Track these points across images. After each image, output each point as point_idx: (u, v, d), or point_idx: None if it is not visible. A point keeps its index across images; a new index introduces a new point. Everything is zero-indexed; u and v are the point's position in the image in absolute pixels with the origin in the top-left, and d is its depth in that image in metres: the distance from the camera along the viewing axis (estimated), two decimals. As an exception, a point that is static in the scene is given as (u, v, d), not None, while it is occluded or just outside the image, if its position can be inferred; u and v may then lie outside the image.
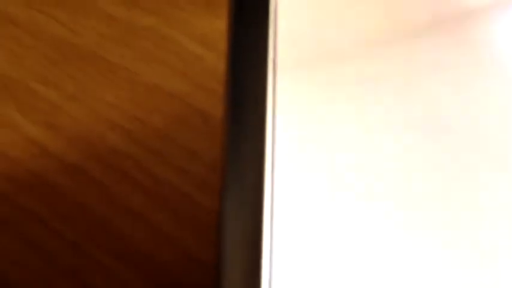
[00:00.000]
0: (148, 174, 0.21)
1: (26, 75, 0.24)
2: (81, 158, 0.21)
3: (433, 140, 0.18)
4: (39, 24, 0.25)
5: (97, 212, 0.20)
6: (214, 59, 0.23)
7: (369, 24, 0.20)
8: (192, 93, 0.22)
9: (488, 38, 0.19)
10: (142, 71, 0.23)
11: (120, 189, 0.21)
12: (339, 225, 0.17)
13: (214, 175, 0.18)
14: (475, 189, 0.17)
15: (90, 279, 0.20)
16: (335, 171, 0.18)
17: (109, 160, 0.21)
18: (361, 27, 0.20)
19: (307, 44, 0.19)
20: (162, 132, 0.21)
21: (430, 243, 0.16)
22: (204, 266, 0.19)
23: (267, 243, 0.17)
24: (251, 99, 0.19)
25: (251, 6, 0.19)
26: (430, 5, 0.20)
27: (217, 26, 0.20)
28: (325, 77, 0.19)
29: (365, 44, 0.20)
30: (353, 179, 0.17)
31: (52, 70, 0.24)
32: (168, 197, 0.20)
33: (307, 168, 0.18)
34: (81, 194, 0.21)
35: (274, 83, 0.19)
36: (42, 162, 0.21)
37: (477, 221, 0.16)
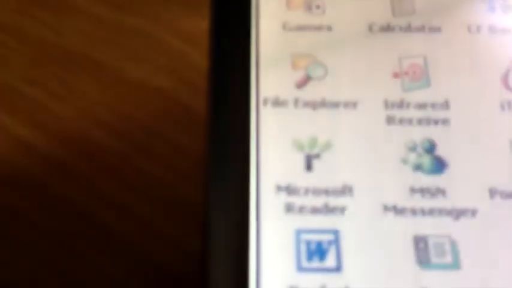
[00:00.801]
0: (134, 168, 0.21)
1: (12, 77, 0.24)
2: (67, 154, 0.21)
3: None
4: (25, 27, 0.25)
5: (84, 207, 0.21)
6: (199, 56, 0.23)
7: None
8: (178, 89, 0.22)
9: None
10: (129, 69, 0.23)
11: (107, 184, 0.21)
12: (327, 210, 0.17)
13: (199, 167, 0.18)
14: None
15: (79, 275, 0.20)
16: (325, 153, 0.18)
17: (95, 155, 0.21)
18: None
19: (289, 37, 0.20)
20: (148, 127, 0.22)
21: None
22: (192, 257, 0.19)
23: (254, 230, 0.17)
24: (234, 93, 0.19)
25: (232, 2, 0.20)
26: None
27: (201, 24, 0.20)
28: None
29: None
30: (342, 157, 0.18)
31: (38, 71, 0.24)
32: (154, 189, 0.21)
33: (292, 155, 0.18)
34: (69, 190, 0.21)
35: (258, 77, 0.19)
36: (29, 160, 0.21)
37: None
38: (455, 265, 0.17)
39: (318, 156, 0.18)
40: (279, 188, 0.18)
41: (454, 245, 0.17)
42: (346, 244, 0.17)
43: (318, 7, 0.20)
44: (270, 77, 0.19)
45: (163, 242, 0.20)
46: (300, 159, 0.18)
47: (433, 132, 0.18)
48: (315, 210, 0.17)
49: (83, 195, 0.21)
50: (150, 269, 0.20)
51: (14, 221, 0.20)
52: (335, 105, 0.19)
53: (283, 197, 0.17)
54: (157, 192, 0.21)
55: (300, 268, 0.17)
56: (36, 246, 0.20)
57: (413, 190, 0.17)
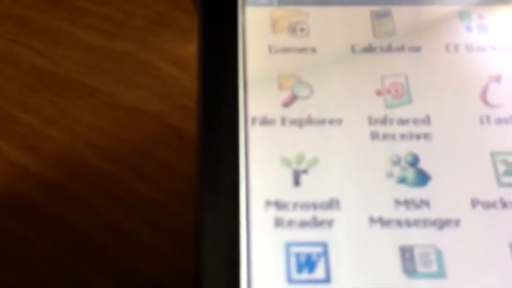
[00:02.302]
0: (128, 189, 0.21)
1: (7, 103, 0.24)
2: (61, 177, 0.22)
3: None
4: (19, 56, 0.26)
5: (79, 228, 0.21)
6: (189, 80, 0.24)
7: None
8: (169, 112, 0.23)
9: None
10: (121, 94, 0.24)
11: (101, 205, 0.21)
12: (318, 225, 0.18)
13: (191, 187, 0.18)
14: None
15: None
16: (313, 169, 0.18)
17: (89, 177, 0.22)
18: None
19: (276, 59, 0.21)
20: (140, 148, 0.22)
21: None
22: (186, 277, 0.20)
23: (244, 245, 0.17)
24: (224, 113, 0.19)
25: (219, 27, 0.20)
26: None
27: (191, 49, 0.21)
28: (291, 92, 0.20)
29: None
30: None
31: (32, 97, 0.24)
32: (146, 209, 0.21)
33: (280, 171, 0.18)
34: (63, 211, 0.21)
35: (246, 97, 0.20)
36: (25, 183, 0.22)
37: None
38: (441, 274, 0.17)
39: (305, 171, 0.19)
40: (268, 203, 0.18)
41: (439, 254, 0.17)
42: (334, 256, 0.17)
43: (302, 30, 0.21)
44: (257, 98, 0.20)
45: (157, 260, 0.20)
46: (288, 175, 0.19)
47: (416, 147, 0.19)
48: (303, 224, 0.18)
49: (77, 215, 0.21)
50: (143, 286, 0.20)
51: (9, 241, 0.21)
52: (321, 122, 0.19)
53: (273, 212, 0.18)
54: (150, 212, 0.21)
55: (290, 280, 0.17)
56: (31, 266, 0.21)
57: (398, 202, 0.18)
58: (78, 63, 0.25)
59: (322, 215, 0.18)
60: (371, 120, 0.19)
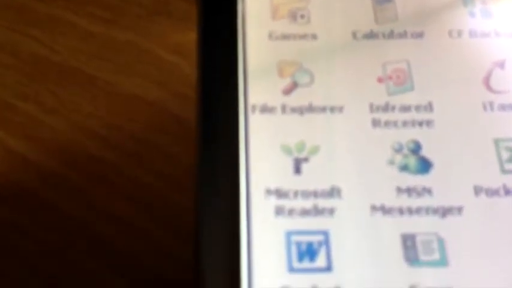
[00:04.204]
0: (127, 178, 0.21)
1: (6, 92, 0.24)
2: (61, 166, 0.22)
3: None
4: (18, 44, 0.26)
5: (78, 218, 0.21)
6: (188, 67, 0.23)
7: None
8: (168, 100, 0.23)
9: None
10: (120, 82, 0.24)
11: (101, 194, 0.21)
12: (315, 217, 0.17)
13: (190, 175, 0.18)
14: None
15: (71, 284, 0.20)
16: (313, 157, 0.18)
17: (88, 167, 0.22)
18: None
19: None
20: (139, 137, 0.22)
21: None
22: (184, 263, 0.20)
23: (245, 234, 0.17)
24: (223, 101, 0.19)
25: (219, 14, 0.20)
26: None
27: (191, 36, 0.21)
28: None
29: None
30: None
31: (31, 86, 0.24)
32: (146, 198, 0.21)
33: (281, 159, 0.18)
34: (61, 200, 0.21)
35: (246, 85, 0.20)
36: (23, 172, 0.22)
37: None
38: (443, 262, 0.17)
39: (306, 159, 0.18)
40: (268, 192, 0.18)
41: (441, 242, 0.17)
42: (335, 244, 0.17)
43: (302, 16, 0.21)
44: (257, 85, 0.20)
45: (155, 249, 0.20)
46: (288, 163, 0.18)
47: (418, 134, 0.19)
48: (304, 212, 0.18)
49: (76, 204, 0.21)
50: (142, 276, 0.20)
51: (7, 231, 0.21)
52: (322, 110, 0.19)
53: (273, 200, 0.18)
54: (149, 201, 0.21)
55: (291, 269, 0.17)
56: (29, 256, 0.21)
57: (400, 190, 0.18)
58: (77, 51, 0.25)
59: (323, 203, 0.18)
60: (372, 108, 0.19)
